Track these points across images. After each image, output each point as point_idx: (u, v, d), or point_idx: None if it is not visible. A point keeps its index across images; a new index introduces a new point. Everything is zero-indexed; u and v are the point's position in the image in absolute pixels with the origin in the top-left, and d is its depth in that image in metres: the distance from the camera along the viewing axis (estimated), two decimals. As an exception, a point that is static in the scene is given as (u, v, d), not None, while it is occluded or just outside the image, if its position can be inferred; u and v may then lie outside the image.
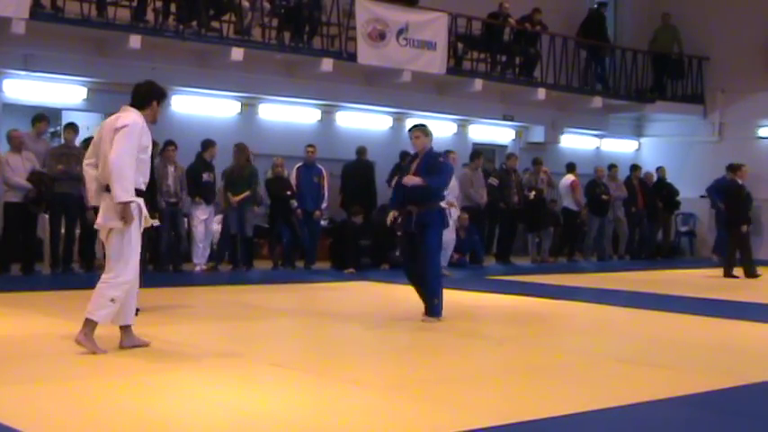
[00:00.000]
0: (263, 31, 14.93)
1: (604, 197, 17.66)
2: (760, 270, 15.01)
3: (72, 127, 12.69)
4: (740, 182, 15.05)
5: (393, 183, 11.44)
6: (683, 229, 20.63)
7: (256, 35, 14.88)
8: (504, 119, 18.72)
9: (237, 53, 14.25)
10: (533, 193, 16.75)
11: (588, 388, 6.08)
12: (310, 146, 14.68)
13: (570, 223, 17.58)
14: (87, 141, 13.10)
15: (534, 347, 7.91)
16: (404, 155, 14.60)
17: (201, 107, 15.24)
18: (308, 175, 14.47)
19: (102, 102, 14.48)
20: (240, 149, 13.69)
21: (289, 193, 14.18)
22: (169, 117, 13.76)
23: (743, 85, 19.77)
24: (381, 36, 15.65)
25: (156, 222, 6.91)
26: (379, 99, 16.68)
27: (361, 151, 15.62)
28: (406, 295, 9.22)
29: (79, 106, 14.50)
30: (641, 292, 12.32)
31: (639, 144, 21.81)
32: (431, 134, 9.04)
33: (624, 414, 5.25)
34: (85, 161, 6.96)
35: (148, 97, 6.89)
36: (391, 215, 9.07)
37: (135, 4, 13.62)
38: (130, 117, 6.69)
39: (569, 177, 17.53)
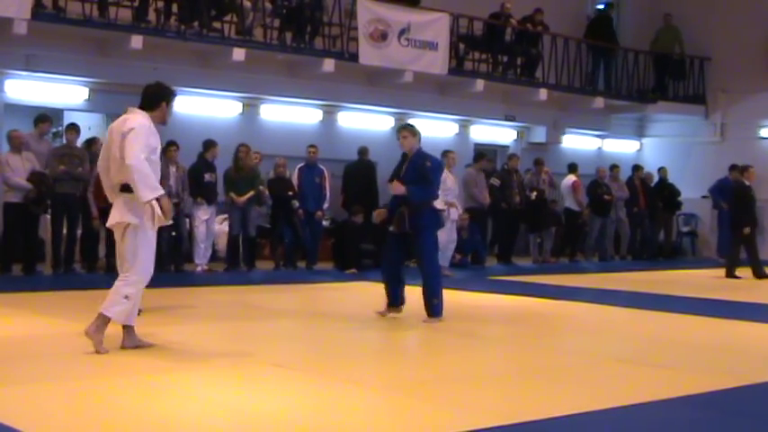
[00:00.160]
0: (265, 32, 14.93)
1: (606, 197, 17.66)
2: None
3: (73, 127, 12.69)
4: (747, 183, 15.02)
5: None
6: (685, 229, 20.63)
7: (258, 35, 14.88)
8: (506, 119, 18.72)
9: (239, 53, 14.26)
10: (535, 193, 16.76)
11: (589, 388, 6.08)
12: (312, 146, 14.68)
13: (572, 223, 17.58)
14: (89, 142, 13.22)
15: (535, 348, 7.91)
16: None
17: (203, 107, 15.24)
18: (309, 175, 14.47)
19: (103, 102, 14.51)
20: (245, 152, 13.66)
21: (290, 193, 14.18)
22: (171, 117, 13.74)
23: (744, 86, 19.75)
24: (383, 36, 15.65)
25: (168, 221, 6.94)
26: (380, 99, 16.68)
27: (362, 151, 15.63)
28: (407, 296, 9.21)
29: (81, 107, 14.51)
30: (643, 292, 12.31)
31: (641, 144, 21.80)
32: (419, 134, 9.05)
33: (625, 414, 5.25)
34: (99, 163, 7.05)
35: (157, 98, 6.90)
36: (376, 214, 9.14)
37: (136, 4, 13.62)
38: (137, 119, 6.72)
39: (571, 178, 17.53)
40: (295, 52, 15.21)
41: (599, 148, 21.06)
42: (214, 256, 13.83)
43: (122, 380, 5.93)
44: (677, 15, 20.53)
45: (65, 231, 12.39)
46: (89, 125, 14.85)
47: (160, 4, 13.91)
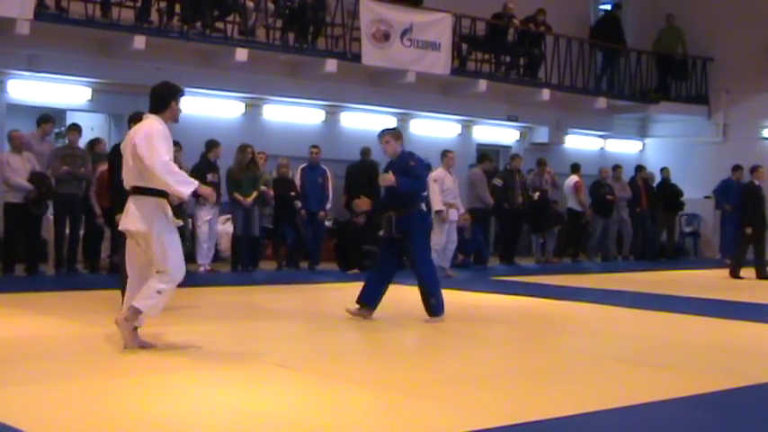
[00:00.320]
0: (268, 32, 14.93)
1: (609, 198, 17.66)
2: None
3: (75, 128, 12.69)
4: (757, 183, 14.99)
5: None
6: (687, 229, 20.61)
7: (260, 36, 14.89)
8: (509, 119, 18.72)
9: (242, 54, 14.26)
10: (537, 193, 16.76)
11: (591, 388, 6.08)
12: (314, 147, 14.69)
13: (574, 224, 17.58)
14: (92, 143, 13.24)
15: (537, 348, 7.92)
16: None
17: (206, 108, 15.24)
18: (312, 175, 14.48)
19: (106, 102, 14.52)
20: (244, 151, 13.66)
21: (293, 193, 14.19)
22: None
23: (747, 86, 19.74)
24: (386, 37, 15.66)
25: (179, 223, 6.98)
26: (383, 100, 16.69)
27: (365, 152, 15.62)
28: (408, 296, 9.22)
29: (83, 107, 14.52)
30: (645, 292, 12.31)
31: (644, 145, 21.80)
32: (402, 137, 9.05)
33: (627, 415, 5.25)
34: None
35: (166, 99, 6.92)
36: (359, 203, 9.22)
37: (139, 4, 13.63)
38: (152, 125, 6.78)
39: (573, 178, 17.54)
40: (297, 53, 15.22)
41: (602, 149, 21.05)
42: (216, 257, 13.84)
43: (124, 380, 5.94)
44: (680, 16, 20.52)
45: (67, 232, 12.40)
46: (92, 125, 14.85)
47: (163, 5, 13.91)
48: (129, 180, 6.83)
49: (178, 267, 6.79)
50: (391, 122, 17.27)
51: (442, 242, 13.40)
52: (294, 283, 12.68)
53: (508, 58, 18.26)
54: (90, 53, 13.74)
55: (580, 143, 20.35)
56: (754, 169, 15.21)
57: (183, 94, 7.05)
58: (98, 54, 13.82)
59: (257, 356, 6.86)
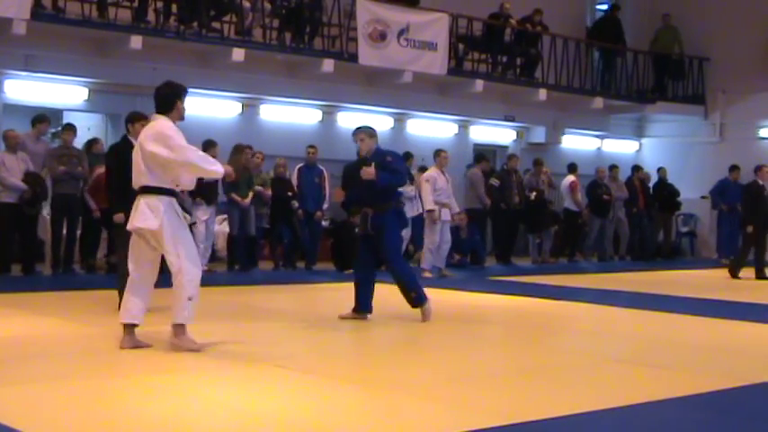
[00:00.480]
0: (264, 32, 14.93)
1: (605, 198, 17.66)
2: None
3: (70, 128, 12.67)
4: (761, 182, 14.98)
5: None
6: (684, 229, 20.64)
7: (257, 36, 14.89)
8: (506, 119, 18.73)
9: (238, 54, 14.26)
10: (534, 193, 16.75)
11: (589, 388, 6.08)
12: (311, 146, 14.67)
13: (571, 224, 17.58)
14: (89, 143, 13.21)
15: (535, 348, 7.91)
16: (406, 155, 14.62)
17: (202, 108, 15.21)
18: (309, 175, 14.47)
19: (103, 102, 14.52)
20: (240, 151, 13.65)
21: (290, 193, 14.18)
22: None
23: (744, 86, 19.76)
24: (382, 37, 15.66)
25: (191, 220, 7.00)
26: (380, 100, 16.69)
27: (363, 152, 15.60)
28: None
29: (80, 107, 14.51)
30: (642, 292, 12.31)
31: (640, 145, 21.82)
32: (376, 135, 9.04)
33: (625, 415, 5.25)
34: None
35: (171, 98, 6.92)
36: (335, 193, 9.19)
37: (136, 4, 13.63)
38: (161, 125, 6.80)
39: (569, 178, 17.54)
40: (294, 52, 15.22)
41: (598, 149, 21.07)
42: (213, 257, 13.83)
43: (122, 380, 5.94)
44: (676, 16, 20.55)
45: (64, 232, 12.39)
46: (89, 126, 14.84)
47: (159, 5, 13.91)
48: (138, 180, 6.82)
49: (194, 264, 6.81)
50: (388, 122, 17.33)
51: (436, 242, 13.40)
52: (291, 283, 12.67)
53: (505, 59, 18.27)
54: (87, 53, 13.74)
55: (577, 143, 20.36)
56: (758, 169, 15.17)
57: (186, 93, 7.06)
58: (95, 54, 13.82)
59: (255, 356, 6.85)
